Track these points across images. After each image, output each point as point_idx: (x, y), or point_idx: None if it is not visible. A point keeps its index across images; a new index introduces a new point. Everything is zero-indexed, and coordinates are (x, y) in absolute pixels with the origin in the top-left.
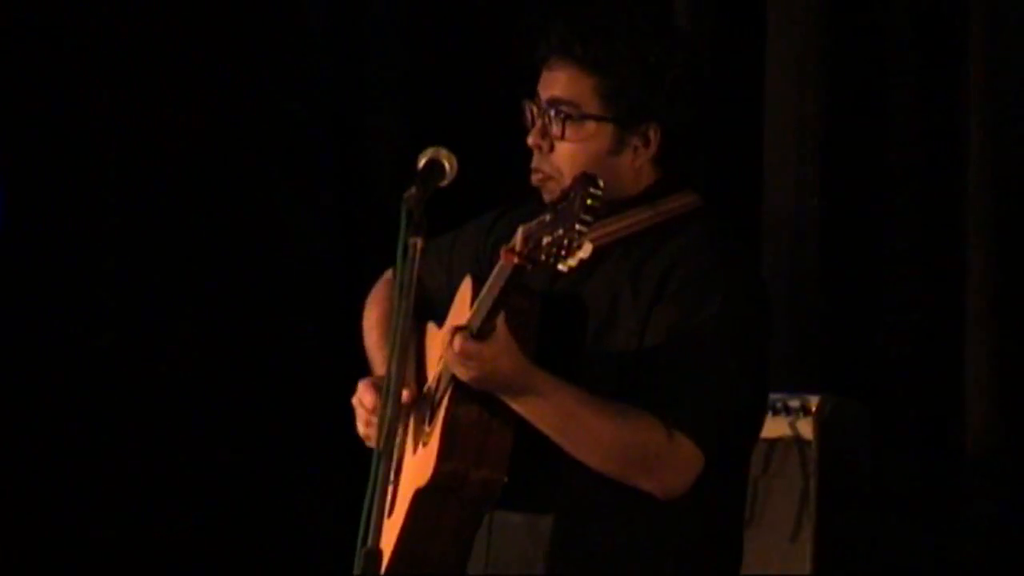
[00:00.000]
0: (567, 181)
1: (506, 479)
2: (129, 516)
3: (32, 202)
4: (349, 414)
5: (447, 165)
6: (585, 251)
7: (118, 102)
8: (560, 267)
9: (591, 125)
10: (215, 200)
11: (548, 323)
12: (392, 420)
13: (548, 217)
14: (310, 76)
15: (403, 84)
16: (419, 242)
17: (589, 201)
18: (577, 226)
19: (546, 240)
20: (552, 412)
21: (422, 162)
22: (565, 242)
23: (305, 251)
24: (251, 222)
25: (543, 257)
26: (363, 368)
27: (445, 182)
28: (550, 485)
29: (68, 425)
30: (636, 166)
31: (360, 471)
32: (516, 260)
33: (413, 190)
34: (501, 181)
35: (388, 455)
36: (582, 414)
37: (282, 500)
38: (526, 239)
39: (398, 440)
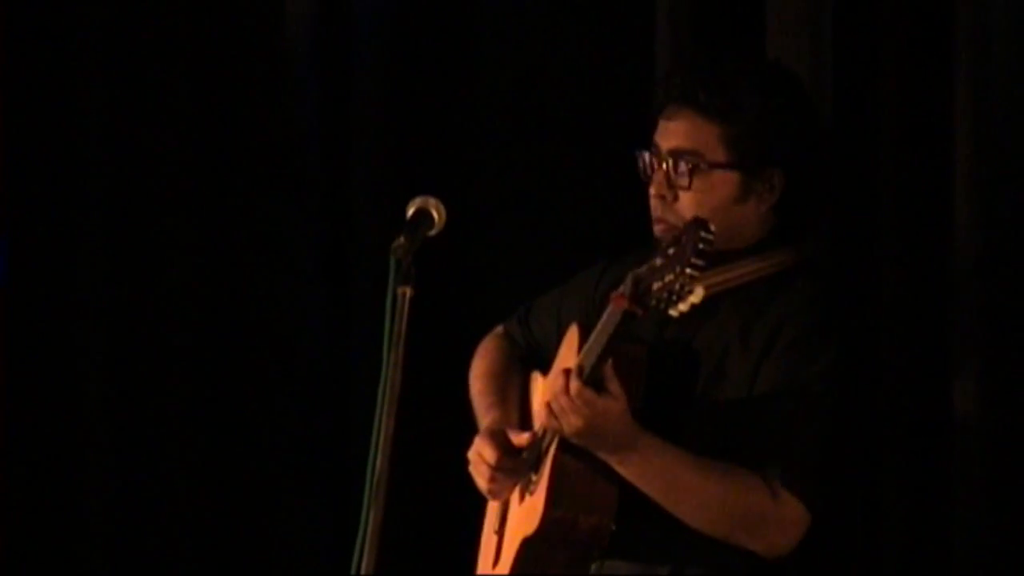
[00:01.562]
0: None
1: (614, 526)
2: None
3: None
4: (336, 434)
5: (435, 214)
6: (697, 296)
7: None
8: (671, 312)
9: (717, 174)
10: (196, 212)
11: (657, 371)
12: (381, 474)
13: (659, 262)
14: (293, 86)
15: (389, 94)
16: (408, 292)
17: (701, 245)
18: (688, 270)
19: (656, 285)
20: (655, 475)
21: (410, 211)
22: (676, 287)
23: (292, 264)
24: (236, 233)
25: (653, 302)
26: (354, 383)
27: (434, 231)
28: (664, 533)
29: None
30: (760, 212)
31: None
32: (626, 305)
33: (401, 240)
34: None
35: (379, 507)
36: (686, 477)
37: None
38: (636, 284)
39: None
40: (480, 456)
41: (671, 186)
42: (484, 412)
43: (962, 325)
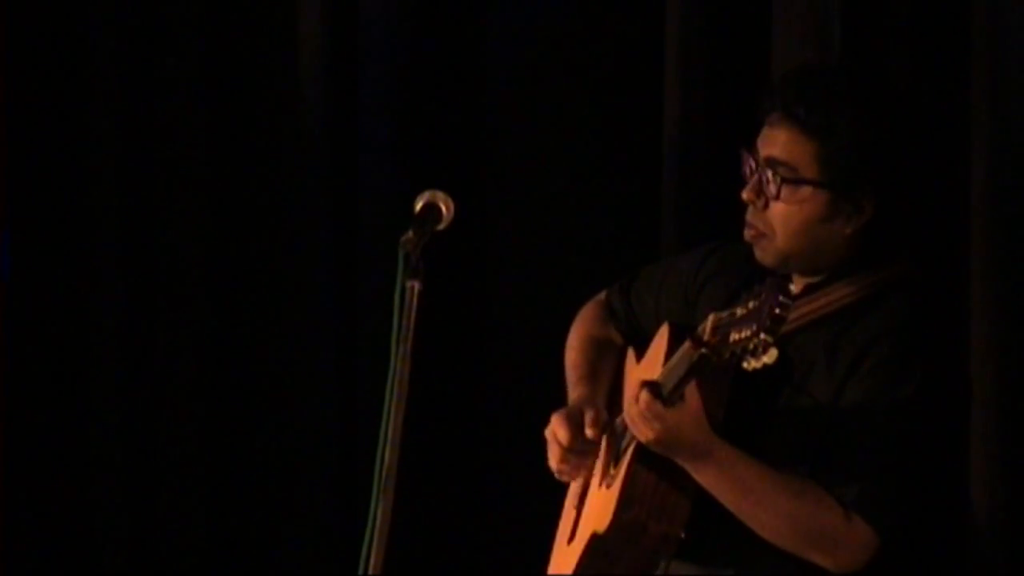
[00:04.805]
0: (779, 241)
1: (683, 535)
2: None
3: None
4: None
5: (444, 208)
6: (770, 356)
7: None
8: (744, 365)
9: (806, 190)
10: (209, 206)
11: (743, 381)
12: (389, 469)
13: (740, 312)
14: (303, 81)
15: (398, 87)
16: (416, 286)
17: (778, 311)
18: (763, 335)
19: (734, 337)
20: (730, 485)
21: (419, 205)
22: (750, 346)
23: (301, 257)
24: (249, 226)
25: (728, 354)
26: (361, 374)
27: (442, 225)
28: (730, 539)
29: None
30: (847, 233)
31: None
32: (703, 351)
33: (410, 233)
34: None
35: (388, 499)
36: (760, 490)
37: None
38: (715, 330)
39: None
40: (554, 436)
41: (761, 194)
42: (573, 385)
43: (978, 332)
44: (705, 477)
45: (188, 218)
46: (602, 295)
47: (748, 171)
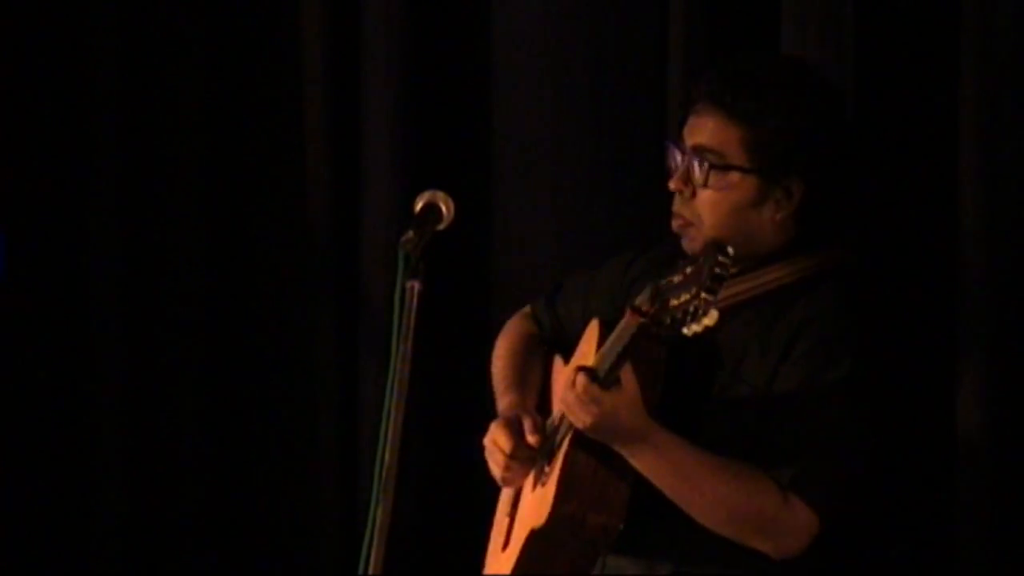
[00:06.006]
0: (707, 229)
1: (622, 526)
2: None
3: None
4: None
5: (444, 208)
6: (711, 318)
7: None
8: (684, 331)
9: (734, 175)
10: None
11: (676, 369)
12: (389, 469)
13: (677, 279)
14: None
15: (399, 86)
16: (416, 286)
17: (717, 270)
18: (703, 295)
19: (673, 303)
20: (667, 470)
21: (419, 205)
22: (691, 308)
23: (301, 257)
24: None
25: (668, 320)
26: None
27: (442, 225)
28: (668, 533)
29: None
30: (777, 219)
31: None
32: (642, 320)
33: (410, 234)
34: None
35: (388, 499)
36: (698, 474)
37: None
38: (653, 299)
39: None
40: (495, 444)
41: (690, 182)
42: (501, 394)
43: (966, 333)
44: (642, 462)
45: (187, 218)
46: (527, 308)
47: (674, 163)
